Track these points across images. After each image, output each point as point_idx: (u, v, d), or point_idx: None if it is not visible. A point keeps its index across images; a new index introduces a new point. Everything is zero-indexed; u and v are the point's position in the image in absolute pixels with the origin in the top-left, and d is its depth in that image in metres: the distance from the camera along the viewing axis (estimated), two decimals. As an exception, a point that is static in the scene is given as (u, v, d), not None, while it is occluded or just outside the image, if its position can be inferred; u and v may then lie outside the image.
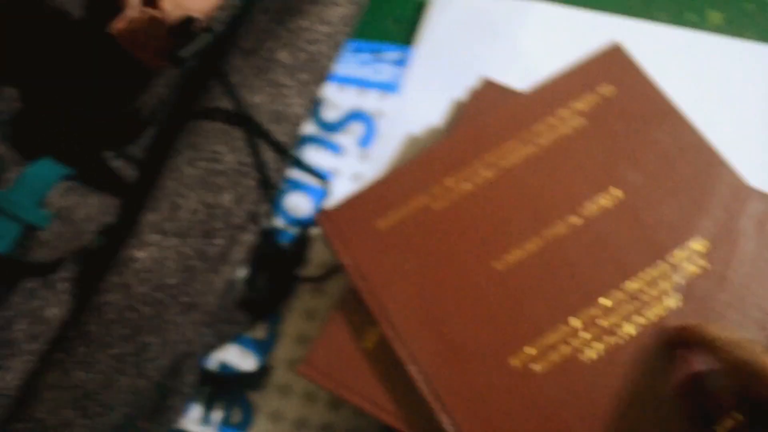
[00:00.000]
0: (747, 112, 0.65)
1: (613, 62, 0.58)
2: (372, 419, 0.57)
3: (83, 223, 0.47)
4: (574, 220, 0.53)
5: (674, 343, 0.48)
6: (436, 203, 0.54)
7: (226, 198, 0.50)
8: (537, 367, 0.49)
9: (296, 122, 0.54)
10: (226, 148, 0.50)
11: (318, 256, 0.62)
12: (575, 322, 0.50)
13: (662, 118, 0.56)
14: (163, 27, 0.47)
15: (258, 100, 0.51)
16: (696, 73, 0.66)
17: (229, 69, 0.51)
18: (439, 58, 0.68)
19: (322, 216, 0.55)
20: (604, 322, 0.50)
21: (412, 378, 0.50)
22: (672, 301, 0.50)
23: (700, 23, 0.67)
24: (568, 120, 0.56)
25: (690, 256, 0.51)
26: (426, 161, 0.56)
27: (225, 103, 0.51)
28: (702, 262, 0.51)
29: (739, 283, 0.50)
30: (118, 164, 0.50)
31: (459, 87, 0.66)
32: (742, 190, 0.52)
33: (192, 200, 0.48)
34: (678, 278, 0.50)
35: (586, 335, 0.50)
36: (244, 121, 0.50)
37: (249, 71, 0.52)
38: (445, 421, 0.49)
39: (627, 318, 0.50)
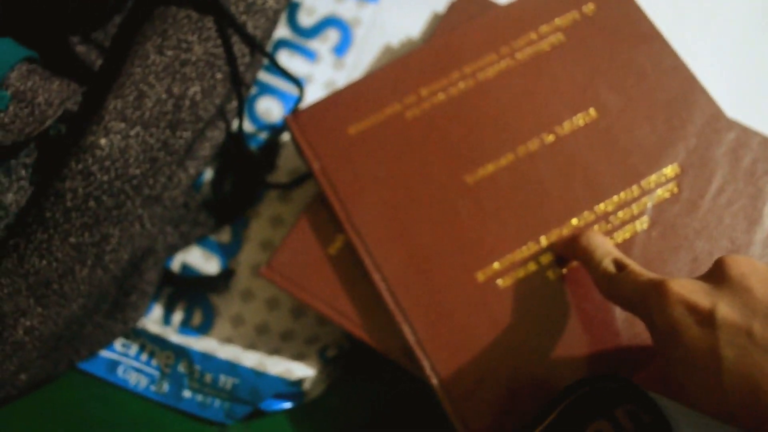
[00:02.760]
0: (726, 43, 0.64)
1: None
2: (334, 327, 0.57)
3: (44, 108, 0.45)
4: (549, 138, 0.52)
5: (562, 255, 0.49)
6: (410, 112, 0.53)
7: (194, 89, 0.48)
8: (500, 282, 0.49)
9: (270, 17, 0.52)
10: (195, 38, 0.48)
11: (287, 163, 0.61)
12: (545, 241, 0.50)
13: (643, 39, 0.55)
14: None
15: (231, -11, 0.50)
16: (684, 7, 0.65)
17: (201, -45, 0.49)
18: (420, -33, 0.66)
19: (291, 118, 0.54)
20: None
21: (375, 286, 0.50)
22: (639, 224, 0.50)
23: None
24: (547, 36, 0.55)
25: (662, 182, 0.51)
26: (402, 69, 0.55)
27: (195, -10, 0.49)
28: (672, 187, 0.50)
29: (710, 211, 0.50)
30: (83, 49, 0.48)
31: (441, -1, 0.64)
32: (718, 120, 0.52)
33: (159, 89, 0.47)
34: (650, 203, 0.50)
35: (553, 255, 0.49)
36: (215, 9, 0.48)
37: (222, -42, 0.50)
38: (405, 330, 0.48)
39: None
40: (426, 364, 0.48)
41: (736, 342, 0.35)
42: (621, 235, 0.50)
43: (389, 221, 0.51)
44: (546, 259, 0.49)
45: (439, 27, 0.60)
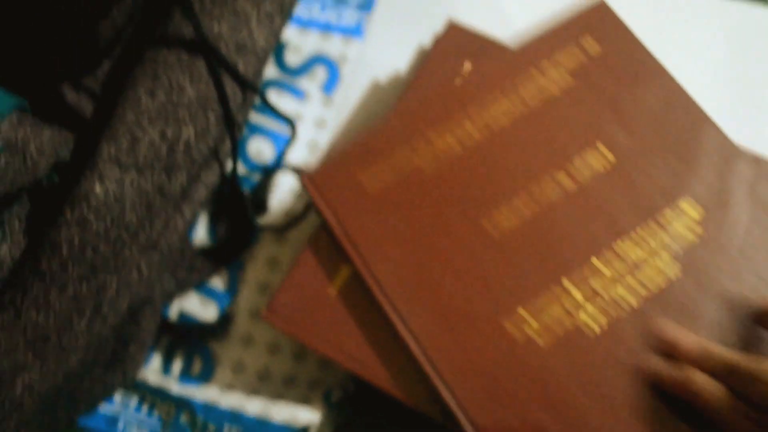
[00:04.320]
0: (717, 69, 0.65)
1: (597, 18, 0.57)
2: (337, 369, 0.56)
3: (36, 157, 0.44)
4: (563, 178, 0.51)
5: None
6: (423, 161, 0.52)
7: (188, 132, 0.47)
8: (528, 331, 0.48)
9: (260, 56, 0.52)
10: (187, 79, 0.47)
11: (281, 203, 0.60)
12: (567, 282, 0.49)
13: (649, 76, 0.55)
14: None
15: (220, 30, 0.49)
16: (668, 29, 0.65)
17: (190, -3, 0.49)
18: (404, 1, 0.66)
19: (308, 180, 0.53)
20: (597, 283, 0.49)
21: (406, 346, 0.48)
22: (671, 272, 0.49)
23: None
24: (556, 79, 0.55)
25: (682, 219, 0.50)
26: (407, 114, 0.54)
27: (186, 32, 0.48)
28: (697, 229, 0.50)
29: (736, 250, 0.49)
30: (73, 96, 0.48)
31: (425, 32, 0.64)
32: (730, 150, 0.52)
33: (152, 133, 0.46)
34: (672, 243, 0.49)
35: (579, 296, 0.48)
36: (206, 50, 0.48)
37: (211, -1, 0.49)
38: (443, 393, 0.46)
39: (619, 280, 0.49)
40: (469, 430, 0.46)
41: None
42: (652, 282, 0.49)
43: (413, 276, 0.50)
44: (571, 303, 0.48)
45: (427, 59, 0.59)
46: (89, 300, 0.45)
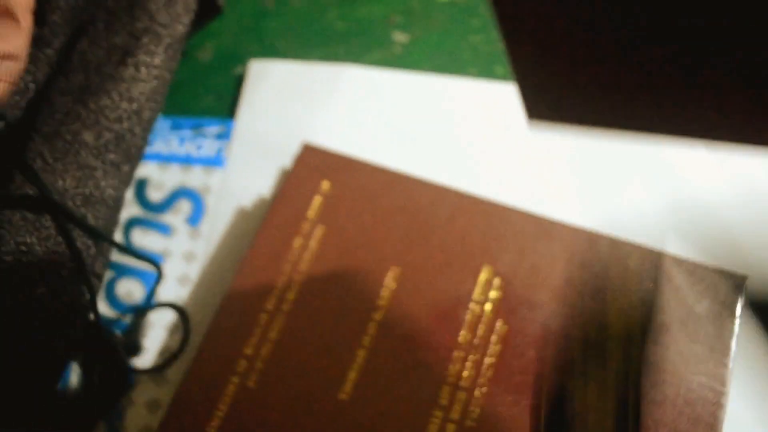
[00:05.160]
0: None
1: (312, 160, 0.59)
2: None
3: None
4: (377, 315, 0.52)
5: None
6: (249, 380, 0.51)
7: (40, 292, 0.46)
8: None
9: (110, 204, 0.52)
10: (34, 239, 0.47)
11: (156, 343, 0.59)
12: (443, 399, 0.48)
13: (390, 187, 0.56)
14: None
15: (64, 185, 0.49)
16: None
17: (29, 155, 0.49)
18: (261, 127, 0.67)
19: None
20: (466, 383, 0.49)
21: None
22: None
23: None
24: (311, 237, 0.56)
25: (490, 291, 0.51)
26: (214, 344, 0.53)
27: (29, 191, 0.48)
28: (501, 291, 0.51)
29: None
30: None
31: (285, 155, 0.65)
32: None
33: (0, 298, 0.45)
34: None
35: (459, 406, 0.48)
36: (50, 207, 0.47)
37: (51, 156, 0.49)
38: None
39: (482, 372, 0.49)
40: None
41: None
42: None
43: None
44: (457, 414, 0.48)
45: (285, 184, 0.60)
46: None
